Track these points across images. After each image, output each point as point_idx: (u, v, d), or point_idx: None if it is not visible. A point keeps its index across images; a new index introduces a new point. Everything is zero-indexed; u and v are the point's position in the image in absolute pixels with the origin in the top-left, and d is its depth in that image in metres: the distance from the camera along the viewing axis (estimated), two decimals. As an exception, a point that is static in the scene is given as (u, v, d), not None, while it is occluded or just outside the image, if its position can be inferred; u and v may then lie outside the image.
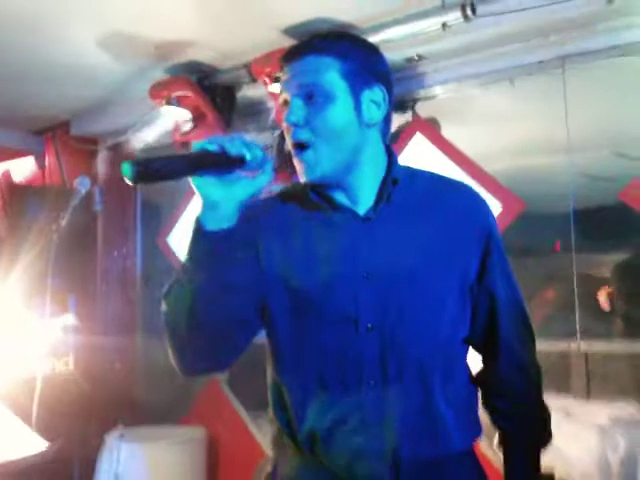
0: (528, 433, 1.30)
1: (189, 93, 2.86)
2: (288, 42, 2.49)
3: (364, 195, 1.18)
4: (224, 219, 1.02)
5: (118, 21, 2.47)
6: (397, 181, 1.18)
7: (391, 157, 1.22)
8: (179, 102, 2.89)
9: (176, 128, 3.05)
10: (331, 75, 1.12)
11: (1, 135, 3.85)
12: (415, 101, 3.06)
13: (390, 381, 1.14)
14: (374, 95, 1.16)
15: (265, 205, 1.23)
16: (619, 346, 2.78)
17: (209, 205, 1.02)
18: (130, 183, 0.93)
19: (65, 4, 2.32)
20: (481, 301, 1.23)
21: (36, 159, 3.96)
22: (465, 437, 1.22)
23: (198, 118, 2.99)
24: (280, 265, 1.16)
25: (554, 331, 2.80)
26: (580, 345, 2.44)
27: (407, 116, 3.08)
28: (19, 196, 3.81)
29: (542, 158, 2.91)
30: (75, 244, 3.37)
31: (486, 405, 1.32)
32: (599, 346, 2.57)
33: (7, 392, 2.65)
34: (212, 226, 1.02)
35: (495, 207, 2.59)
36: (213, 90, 2.99)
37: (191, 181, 1.01)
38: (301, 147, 1.13)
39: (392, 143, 3.06)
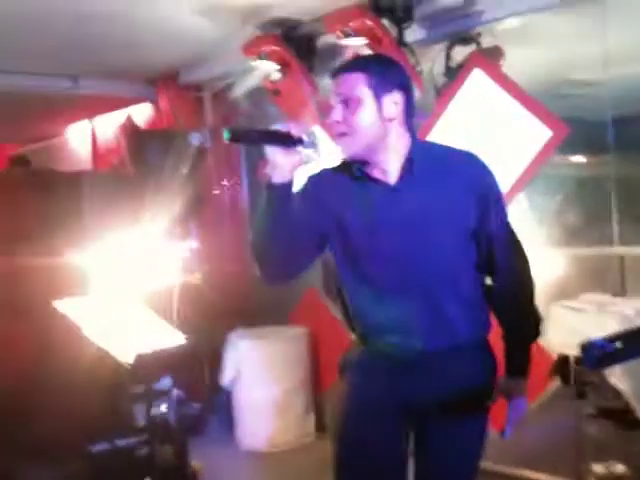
0: (519, 331, 1.77)
1: (276, 47, 3.35)
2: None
3: (392, 169, 1.63)
4: (282, 176, 1.50)
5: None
6: (412, 160, 1.62)
7: (413, 140, 1.67)
8: (268, 56, 3.38)
9: (267, 77, 3.57)
10: (360, 87, 1.57)
11: (122, 86, 4.58)
12: (479, 34, 3.37)
13: (411, 295, 1.65)
14: (392, 98, 1.59)
15: (328, 173, 1.72)
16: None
17: (274, 165, 1.50)
18: (227, 142, 1.44)
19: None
20: (482, 240, 1.68)
21: (152, 105, 4.63)
22: (472, 332, 1.71)
23: (284, 67, 3.48)
24: (336, 213, 1.65)
25: (594, 236, 3.13)
26: (617, 249, 2.77)
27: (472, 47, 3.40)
28: (141, 139, 4.50)
29: (584, 72, 3.18)
30: (192, 180, 4.01)
31: (494, 310, 1.78)
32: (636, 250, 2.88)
33: (151, 299, 3.33)
34: (275, 180, 1.51)
35: (546, 134, 2.95)
36: (296, 41, 3.46)
37: (265, 148, 1.50)
38: (340, 136, 1.61)
39: (452, 79, 3.40)
